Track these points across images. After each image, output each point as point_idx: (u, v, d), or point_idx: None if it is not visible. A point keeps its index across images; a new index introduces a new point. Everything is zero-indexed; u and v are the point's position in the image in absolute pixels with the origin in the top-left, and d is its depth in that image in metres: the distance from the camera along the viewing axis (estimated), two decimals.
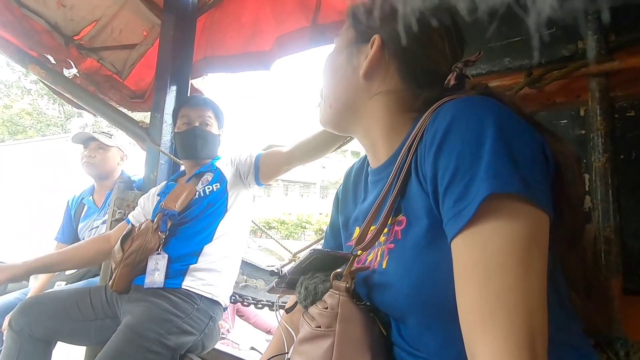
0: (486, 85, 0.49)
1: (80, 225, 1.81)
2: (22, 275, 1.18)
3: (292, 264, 0.60)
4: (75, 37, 1.64)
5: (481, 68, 0.84)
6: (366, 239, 0.48)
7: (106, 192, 1.84)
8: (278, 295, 0.77)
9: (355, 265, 0.49)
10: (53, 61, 1.62)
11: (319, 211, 20.37)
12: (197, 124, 1.31)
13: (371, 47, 0.51)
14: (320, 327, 0.47)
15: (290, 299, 0.82)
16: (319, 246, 0.65)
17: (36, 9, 1.54)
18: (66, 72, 1.67)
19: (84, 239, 1.76)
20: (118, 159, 1.87)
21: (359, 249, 0.48)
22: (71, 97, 1.57)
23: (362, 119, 0.54)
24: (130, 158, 2.00)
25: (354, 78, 0.53)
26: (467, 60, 0.49)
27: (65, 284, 1.61)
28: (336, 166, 23.74)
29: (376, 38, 0.51)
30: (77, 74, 1.72)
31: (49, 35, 1.58)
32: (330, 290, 0.48)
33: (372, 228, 0.50)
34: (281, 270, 0.62)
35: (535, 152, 0.37)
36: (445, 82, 0.48)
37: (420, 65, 0.50)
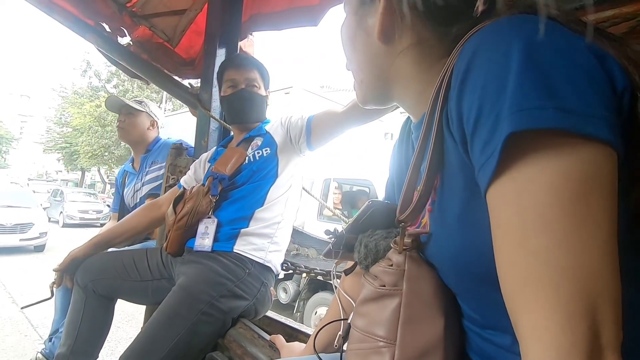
0: (526, 1, 0.37)
1: (125, 192, 1.92)
2: (83, 257, 1.23)
3: (349, 222, 0.54)
4: (128, 5, 1.63)
5: None
6: (410, 207, 0.40)
7: (141, 156, 1.93)
8: (334, 261, 0.72)
9: (408, 230, 0.43)
10: (108, 29, 1.64)
11: None
12: (243, 87, 1.23)
13: (379, 1, 0.43)
14: (384, 285, 0.41)
15: (347, 264, 0.76)
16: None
17: None
18: (121, 41, 1.69)
19: (129, 205, 1.87)
20: (147, 124, 1.93)
21: (403, 220, 0.41)
22: (126, 65, 1.60)
23: (395, 84, 0.48)
24: (168, 125, 2.04)
25: (371, 43, 0.46)
26: None
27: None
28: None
29: None
30: (131, 42, 1.73)
31: (103, 3, 1.59)
32: (394, 246, 0.42)
33: (418, 189, 0.42)
34: (337, 230, 0.56)
35: (590, 71, 0.28)
36: (474, 11, 0.39)
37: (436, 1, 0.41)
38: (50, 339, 1.59)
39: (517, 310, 0.28)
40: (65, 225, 12.01)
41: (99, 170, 23.35)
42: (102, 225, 12.27)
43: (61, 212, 12.35)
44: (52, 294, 1.31)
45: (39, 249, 7.36)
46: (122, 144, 18.32)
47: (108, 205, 13.29)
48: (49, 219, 11.08)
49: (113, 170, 22.09)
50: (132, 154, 2.01)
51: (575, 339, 0.24)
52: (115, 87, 20.31)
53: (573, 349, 0.24)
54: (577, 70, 0.28)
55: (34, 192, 12.69)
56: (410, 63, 0.45)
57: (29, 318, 3.68)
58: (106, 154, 19.34)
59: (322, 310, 3.46)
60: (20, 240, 6.98)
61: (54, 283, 1.22)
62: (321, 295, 3.51)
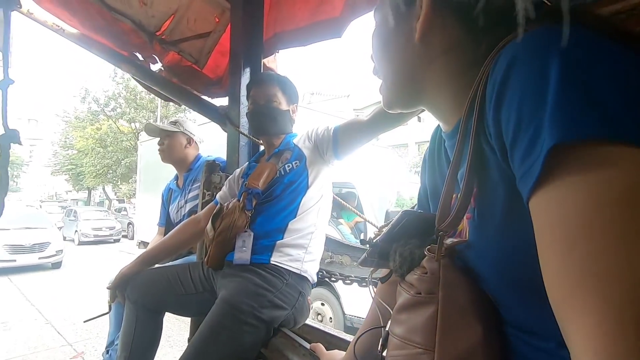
0: (567, 8, 0.34)
1: (170, 208, 2.01)
2: (132, 274, 1.31)
3: (384, 231, 0.57)
4: (157, 33, 1.74)
5: None
6: (449, 216, 0.41)
7: (184, 174, 2.01)
8: (369, 269, 0.73)
9: (445, 242, 0.43)
10: (141, 58, 1.75)
11: None
12: (262, 103, 1.28)
13: (420, 7, 0.44)
14: (420, 293, 0.41)
15: (382, 271, 0.79)
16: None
17: (123, 11, 1.66)
18: (153, 67, 1.79)
19: (174, 220, 1.95)
20: (185, 143, 1.99)
21: (442, 229, 0.41)
22: (159, 90, 1.69)
23: (426, 89, 0.49)
24: (207, 140, 2.12)
25: (409, 46, 0.47)
26: None
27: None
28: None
29: None
30: (162, 68, 1.84)
31: (135, 34, 1.70)
32: (428, 254, 0.42)
33: (457, 196, 0.42)
34: (372, 240, 0.57)
35: (628, 79, 0.28)
36: (515, 14, 0.38)
37: (482, 4, 0.41)
38: (107, 351, 1.69)
39: (565, 318, 0.28)
40: (80, 243, 12.58)
41: (103, 189, 25.30)
42: (115, 241, 13.00)
43: (76, 231, 12.96)
44: (110, 309, 1.37)
45: (57, 265, 8.07)
46: (123, 162, 19.68)
47: (119, 222, 13.70)
48: (65, 238, 12.05)
49: (119, 187, 23.32)
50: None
51: (628, 345, 0.23)
52: (113, 110, 22.04)
53: (626, 356, 0.23)
54: (615, 78, 0.28)
55: (47, 212, 13.16)
56: (444, 69, 0.46)
57: (56, 328, 4.01)
58: (110, 172, 21.10)
59: (318, 305, 3.56)
60: (39, 258, 7.63)
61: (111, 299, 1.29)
62: (318, 290, 3.55)
